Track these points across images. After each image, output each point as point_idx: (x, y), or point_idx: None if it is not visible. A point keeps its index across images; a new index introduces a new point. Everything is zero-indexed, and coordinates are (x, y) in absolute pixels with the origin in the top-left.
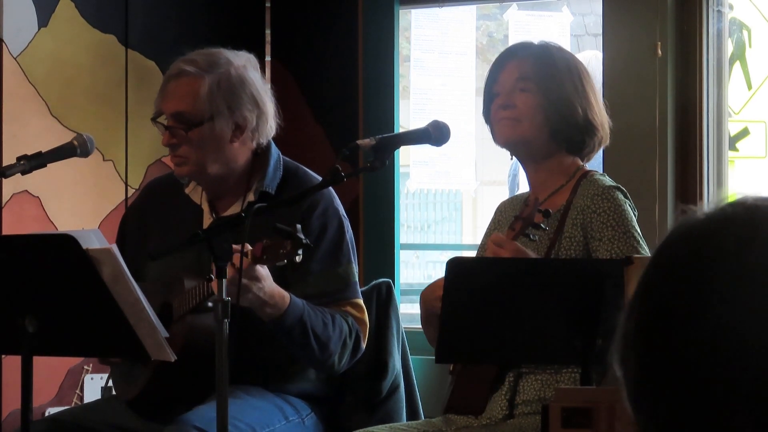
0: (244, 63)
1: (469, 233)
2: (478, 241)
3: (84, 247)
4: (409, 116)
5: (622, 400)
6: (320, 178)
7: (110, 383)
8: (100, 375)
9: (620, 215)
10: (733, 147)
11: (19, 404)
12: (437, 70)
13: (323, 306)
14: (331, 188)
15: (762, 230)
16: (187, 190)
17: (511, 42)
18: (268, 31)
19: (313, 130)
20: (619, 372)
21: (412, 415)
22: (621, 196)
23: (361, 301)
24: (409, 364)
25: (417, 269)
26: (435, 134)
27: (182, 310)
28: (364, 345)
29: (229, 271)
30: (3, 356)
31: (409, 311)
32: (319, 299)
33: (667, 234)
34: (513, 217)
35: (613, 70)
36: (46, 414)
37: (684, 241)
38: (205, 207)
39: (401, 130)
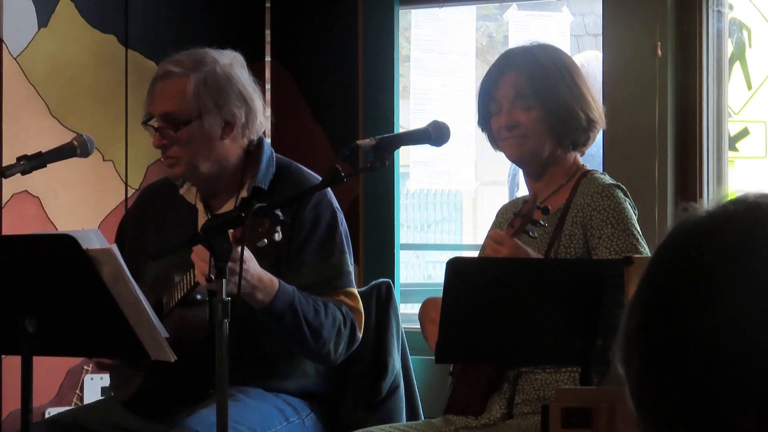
0: (230, 61)
1: (469, 233)
2: (478, 241)
3: (84, 247)
4: (409, 116)
5: (624, 400)
6: (314, 174)
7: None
8: (100, 375)
9: (620, 213)
10: (733, 147)
11: (19, 404)
12: (437, 71)
13: (317, 296)
14: None
15: (763, 227)
16: (181, 191)
17: (511, 42)
18: (268, 31)
19: (312, 129)
20: (621, 370)
21: (412, 415)
22: (621, 195)
23: (355, 290)
24: (409, 364)
25: (417, 269)
26: (435, 134)
27: (171, 304)
28: (360, 334)
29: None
30: (3, 356)
31: (409, 311)
32: (313, 290)
33: (668, 231)
34: (512, 215)
35: (613, 71)
36: (46, 414)
37: (686, 239)
38: (200, 206)
39: (401, 131)
